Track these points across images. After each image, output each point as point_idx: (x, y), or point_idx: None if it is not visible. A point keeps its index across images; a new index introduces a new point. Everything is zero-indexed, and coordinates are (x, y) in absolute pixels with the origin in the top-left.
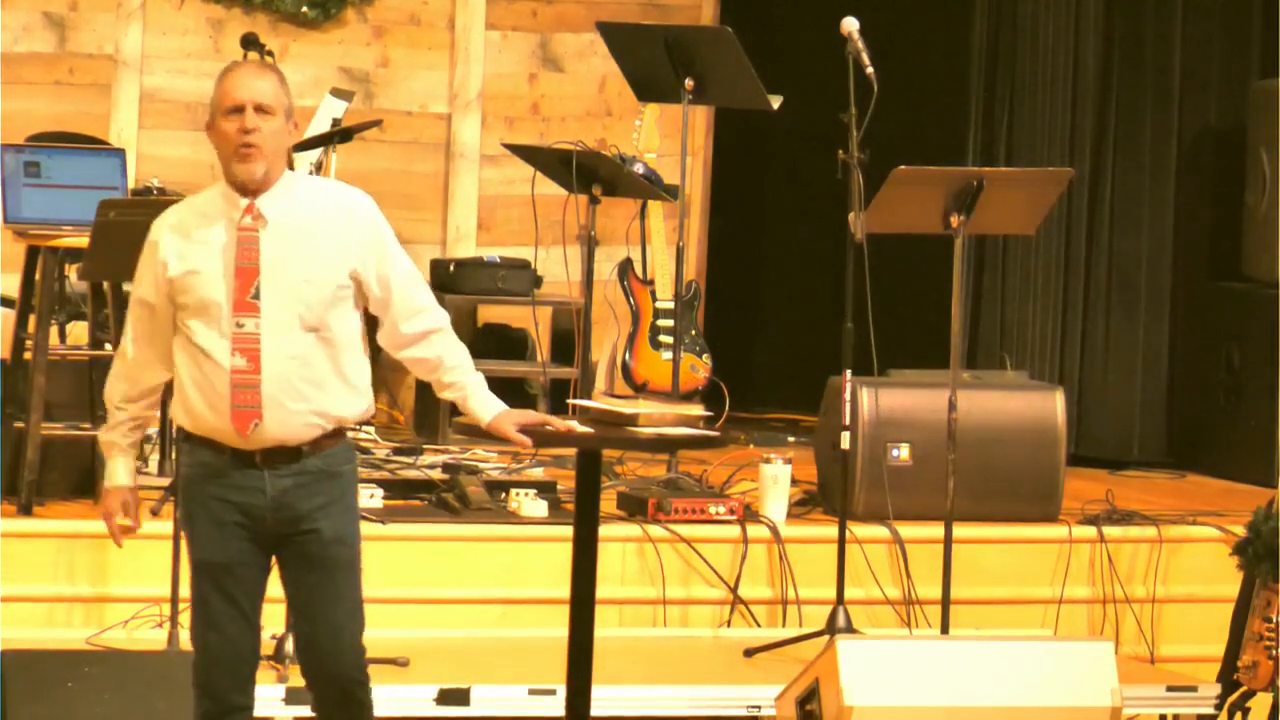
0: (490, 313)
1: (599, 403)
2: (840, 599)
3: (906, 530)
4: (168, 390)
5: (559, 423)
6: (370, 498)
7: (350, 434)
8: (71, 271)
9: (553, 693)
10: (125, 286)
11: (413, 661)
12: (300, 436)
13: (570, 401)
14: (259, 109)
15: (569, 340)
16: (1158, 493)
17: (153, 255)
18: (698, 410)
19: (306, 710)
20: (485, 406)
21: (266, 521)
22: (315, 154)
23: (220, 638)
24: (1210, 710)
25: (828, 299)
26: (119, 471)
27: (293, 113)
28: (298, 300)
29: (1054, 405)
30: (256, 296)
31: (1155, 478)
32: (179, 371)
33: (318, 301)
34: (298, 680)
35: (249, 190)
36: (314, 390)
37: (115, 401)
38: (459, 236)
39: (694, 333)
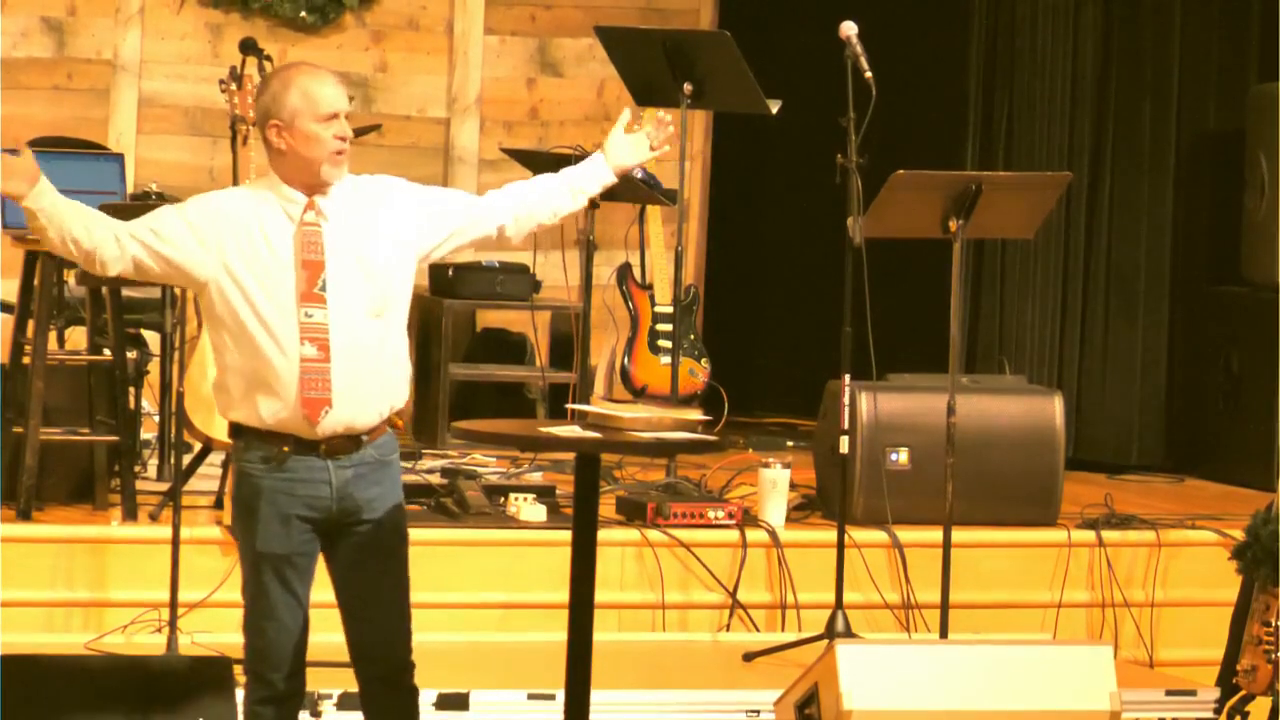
0: (489, 317)
1: (598, 407)
2: (839, 603)
3: (905, 534)
4: (165, 392)
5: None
6: None
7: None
8: (70, 276)
9: (552, 697)
10: (124, 291)
11: None
12: (368, 422)
13: (569, 406)
14: (347, 116)
15: (568, 345)
16: (1156, 497)
17: (195, 215)
18: (696, 414)
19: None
20: (594, 178)
21: (331, 512)
22: None
23: (277, 626)
24: (1209, 714)
25: (826, 303)
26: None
27: None
28: (362, 289)
29: (1053, 409)
30: (323, 289)
31: (1154, 482)
32: (233, 367)
33: (385, 285)
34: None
35: (315, 190)
36: (379, 375)
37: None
38: None
39: (693, 337)
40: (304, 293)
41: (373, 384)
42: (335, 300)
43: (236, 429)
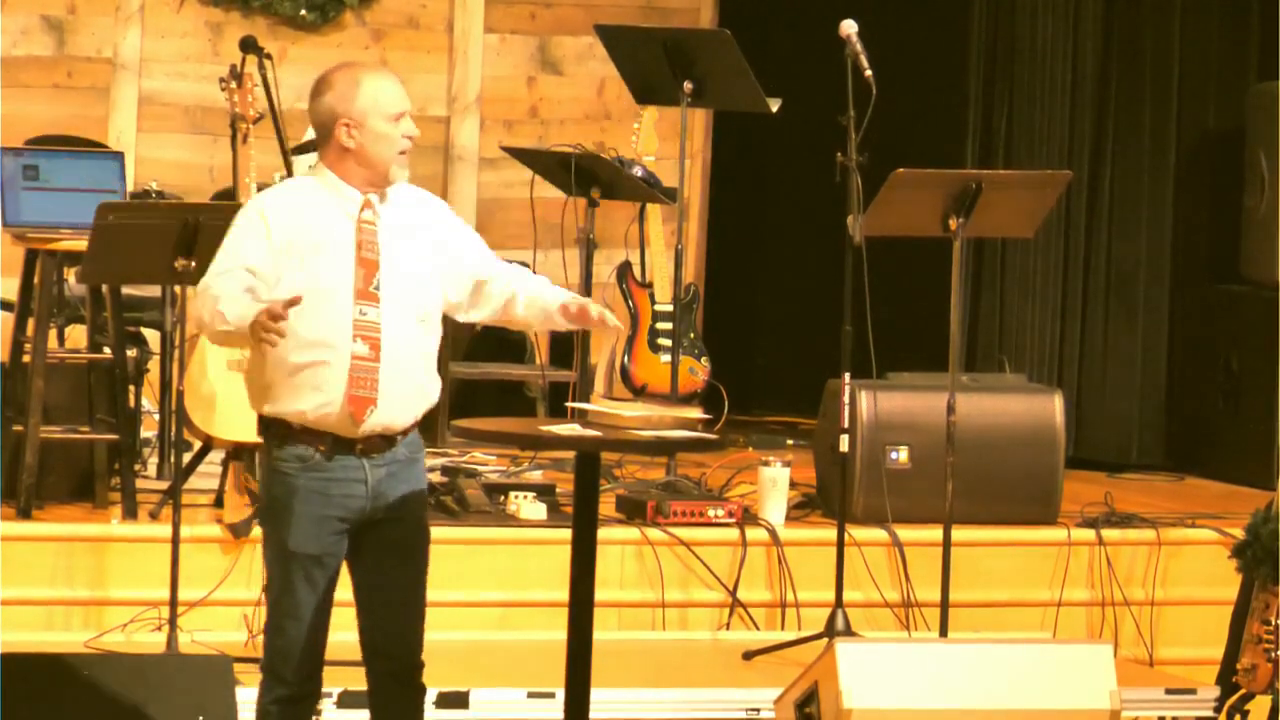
0: None
1: (598, 405)
2: (839, 602)
3: (905, 533)
4: (165, 391)
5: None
6: None
7: None
8: (70, 275)
9: (552, 696)
10: (124, 289)
11: None
12: (404, 424)
13: (569, 404)
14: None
15: (568, 343)
16: (1156, 495)
17: (262, 227)
18: (696, 413)
19: (360, 714)
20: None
21: (365, 511)
22: (313, 157)
23: (301, 626)
24: (1209, 713)
25: (826, 302)
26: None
27: None
28: (411, 292)
29: (1053, 408)
30: (378, 288)
31: (1154, 480)
32: (277, 361)
33: (428, 293)
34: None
35: (375, 189)
36: (419, 378)
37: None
38: None
39: (692, 335)
40: (360, 290)
41: (413, 386)
42: (387, 300)
43: (268, 425)
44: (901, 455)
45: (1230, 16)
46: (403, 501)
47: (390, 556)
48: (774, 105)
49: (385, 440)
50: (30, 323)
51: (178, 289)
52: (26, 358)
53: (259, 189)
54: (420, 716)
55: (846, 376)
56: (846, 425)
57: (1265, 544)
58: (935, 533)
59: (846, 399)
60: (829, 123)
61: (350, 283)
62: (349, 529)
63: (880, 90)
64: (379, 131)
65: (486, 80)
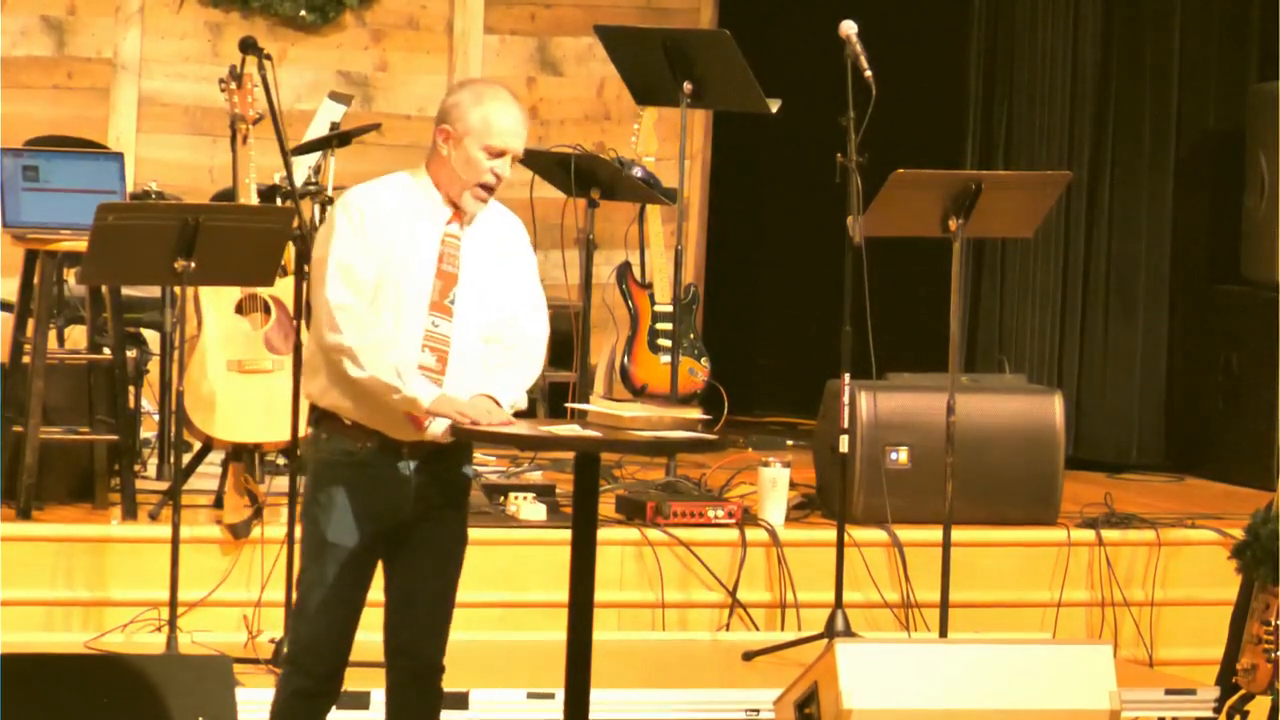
0: None
1: (597, 406)
2: (839, 602)
3: (905, 533)
4: (165, 391)
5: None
6: None
7: None
8: (70, 275)
9: (551, 696)
10: (124, 289)
11: None
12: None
13: (569, 405)
14: (515, 158)
15: (568, 344)
16: (1156, 496)
17: (359, 223)
18: (696, 413)
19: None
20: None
21: (403, 512)
22: (314, 158)
23: (329, 620)
24: (1209, 713)
25: (826, 302)
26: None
27: None
28: (484, 311)
29: (1053, 408)
30: (453, 301)
31: (1154, 481)
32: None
33: (500, 316)
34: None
35: (454, 204)
36: (474, 394)
37: (392, 366)
38: None
39: (692, 336)
40: (435, 302)
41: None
42: (460, 315)
43: (320, 416)
44: (901, 455)
45: (1230, 16)
46: (444, 506)
47: (427, 558)
48: (774, 105)
49: (432, 446)
50: (30, 323)
51: (177, 289)
52: (26, 358)
53: (258, 190)
54: (436, 718)
55: (846, 376)
56: (846, 425)
57: (1265, 544)
58: (935, 533)
59: (846, 399)
60: (829, 123)
61: (427, 293)
62: (389, 528)
63: (880, 90)
64: (469, 155)
65: None
